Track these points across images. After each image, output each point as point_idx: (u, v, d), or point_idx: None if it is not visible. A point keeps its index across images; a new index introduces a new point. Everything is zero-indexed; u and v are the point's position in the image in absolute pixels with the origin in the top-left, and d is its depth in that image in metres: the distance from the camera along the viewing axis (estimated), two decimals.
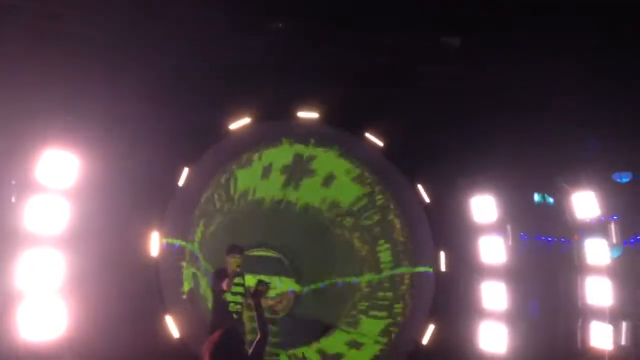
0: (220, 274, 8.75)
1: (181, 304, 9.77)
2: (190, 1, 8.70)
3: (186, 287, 10.07)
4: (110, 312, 8.52)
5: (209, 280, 8.96)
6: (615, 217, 10.40)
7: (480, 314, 10.82)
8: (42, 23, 8.32)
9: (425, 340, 10.64)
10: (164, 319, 9.20)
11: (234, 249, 8.86)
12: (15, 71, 8.21)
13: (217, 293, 8.73)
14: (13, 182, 8.16)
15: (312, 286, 12.35)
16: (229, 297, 8.71)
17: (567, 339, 10.56)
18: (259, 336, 6.29)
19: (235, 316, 8.78)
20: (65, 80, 8.41)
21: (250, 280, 8.85)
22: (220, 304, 8.72)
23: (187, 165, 9.47)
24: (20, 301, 7.85)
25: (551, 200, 11.10)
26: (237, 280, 8.78)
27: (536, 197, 11.29)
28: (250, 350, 6.01)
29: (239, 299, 8.81)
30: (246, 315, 9.14)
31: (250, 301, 6.73)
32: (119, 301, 8.61)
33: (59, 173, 8.24)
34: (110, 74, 8.49)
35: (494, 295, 10.76)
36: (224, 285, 8.52)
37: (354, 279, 11.96)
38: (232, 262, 8.71)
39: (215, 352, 5.16)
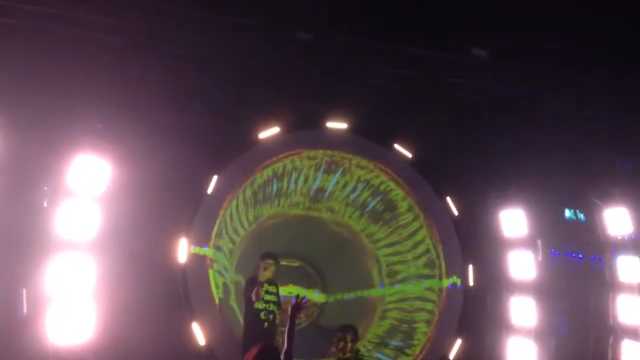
0: (252, 283, 8.75)
1: (209, 311, 9.79)
2: (221, 10, 8.77)
3: (216, 296, 10.09)
4: (138, 318, 8.59)
5: (240, 289, 8.96)
6: None
7: (509, 329, 10.69)
8: (72, 30, 8.44)
9: (452, 355, 10.54)
10: (191, 326, 9.25)
11: (267, 255, 8.86)
12: (48, 79, 8.33)
13: (249, 302, 8.73)
14: (45, 188, 8.27)
15: (338, 296, 12.29)
16: (259, 305, 8.70)
17: (597, 357, 10.36)
18: (285, 348, 6.31)
19: (266, 325, 8.76)
20: (97, 88, 8.50)
21: (285, 290, 8.89)
22: (252, 313, 8.72)
23: (216, 173, 9.53)
24: (49, 305, 7.95)
25: (582, 216, 10.94)
26: (269, 288, 8.78)
27: (567, 212, 11.13)
28: None
29: (271, 307, 8.78)
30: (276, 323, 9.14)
31: (287, 312, 6.76)
32: (147, 307, 8.68)
33: (90, 179, 8.35)
34: (142, 81, 8.57)
35: (522, 311, 10.63)
36: (254, 294, 8.52)
37: (380, 292, 11.90)
38: (265, 268, 8.70)
39: None
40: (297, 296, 7.06)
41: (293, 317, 6.61)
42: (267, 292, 8.69)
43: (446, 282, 11.03)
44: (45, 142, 8.19)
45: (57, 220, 8.11)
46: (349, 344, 7.24)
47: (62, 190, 8.19)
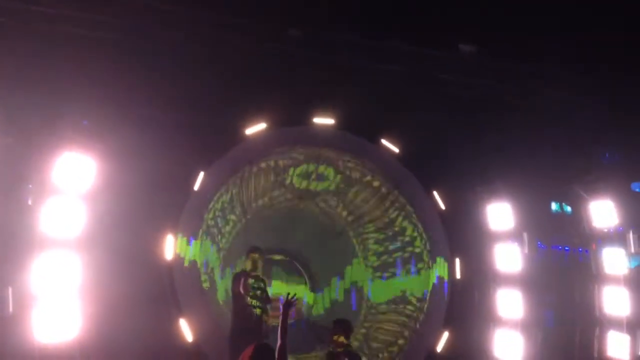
0: (239, 277, 8.79)
1: (196, 307, 9.78)
2: (208, 7, 8.73)
3: (202, 290, 10.10)
4: (124, 315, 8.55)
5: (228, 284, 9.00)
6: (633, 227, 10.26)
7: (496, 322, 10.75)
8: (57, 27, 8.36)
9: (439, 348, 10.59)
10: (178, 322, 9.24)
11: (254, 250, 8.91)
12: (32, 75, 8.26)
13: (237, 296, 8.77)
14: (30, 186, 8.22)
15: (325, 292, 12.33)
16: (247, 300, 8.75)
17: (584, 349, 10.45)
18: (279, 344, 6.36)
19: (254, 320, 8.81)
20: (81, 84, 8.44)
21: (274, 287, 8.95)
22: (239, 308, 8.76)
23: (203, 170, 9.51)
24: (35, 304, 7.91)
25: (569, 208, 11.00)
26: (257, 284, 8.82)
27: (553, 205, 11.19)
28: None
29: (258, 302, 8.84)
30: (264, 318, 9.17)
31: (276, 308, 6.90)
32: (133, 304, 8.64)
33: (76, 176, 8.28)
34: (127, 78, 8.51)
35: (509, 303, 10.68)
36: (242, 287, 8.56)
37: (368, 284, 11.94)
38: (253, 262, 8.75)
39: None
40: (288, 294, 7.14)
41: (285, 314, 6.67)
42: (254, 287, 8.73)
43: (433, 276, 11.08)
44: (30, 139, 8.13)
45: (42, 218, 8.04)
46: (343, 338, 7.38)
47: (47, 188, 8.12)
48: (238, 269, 9.26)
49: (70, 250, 8.18)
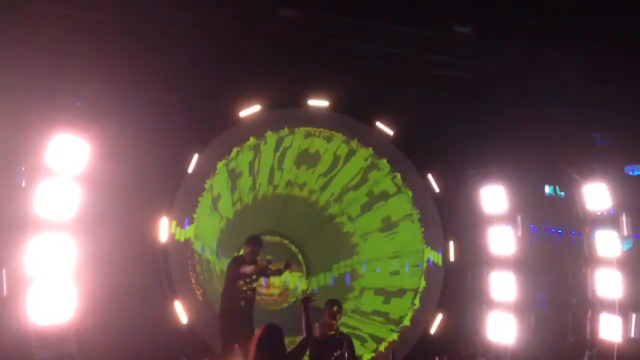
0: (238, 262, 8.80)
1: (190, 290, 9.80)
2: None
3: (197, 274, 10.10)
4: (119, 297, 8.58)
5: (223, 267, 9.02)
6: (626, 210, 10.30)
7: (489, 304, 10.80)
8: (51, 8, 8.30)
9: (433, 330, 10.65)
10: (172, 304, 9.26)
11: (254, 241, 8.90)
12: (27, 57, 8.21)
13: (230, 280, 8.78)
14: (23, 168, 8.18)
15: (320, 277, 12.34)
16: (242, 285, 8.76)
17: (576, 331, 10.52)
18: (305, 335, 6.56)
19: (243, 303, 8.83)
20: (75, 66, 8.40)
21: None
22: (231, 292, 8.76)
23: (197, 152, 9.49)
24: (30, 286, 7.90)
25: (562, 192, 11.03)
26: (249, 270, 8.82)
27: (547, 188, 11.22)
28: (294, 348, 6.28)
29: (250, 286, 8.86)
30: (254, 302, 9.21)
31: (300, 305, 6.99)
32: (127, 286, 8.66)
33: (69, 158, 8.24)
34: (120, 60, 8.47)
35: (502, 285, 10.72)
36: (247, 271, 8.58)
37: (363, 267, 11.97)
38: (251, 252, 8.78)
39: (260, 345, 5.63)
40: (306, 290, 7.23)
41: (306, 309, 6.80)
42: (249, 274, 8.74)
43: (427, 258, 11.12)
44: (22, 121, 8.08)
45: (36, 199, 8.02)
46: (335, 318, 7.47)
47: (40, 170, 8.09)
48: (236, 254, 9.25)
49: (65, 232, 8.16)
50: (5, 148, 8.12)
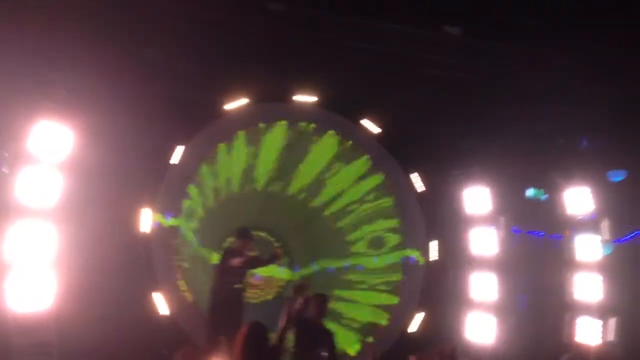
0: (230, 254, 8.84)
1: (173, 280, 9.78)
2: None
3: (179, 265, 10.09)
4: (99, 286, 8.55)
5: (207, 259, 9.06)
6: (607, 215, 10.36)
7: (469, 304, 10.86)
8: None
9: (412, 328, 10.69)
10: (153, 295, 9.23)
11: (246, 234, 8.94)
12: (10, 43, 8.13)
13: (220, 273, 8.79)
14: (5, 154, 8.12)
15: (303, 271, 12.35)
16: (232, 277, 8.79)
17: (555, 333, 10.57)
18: (283, 325, 6.64)
19: (234, 296, 8.85)
20: (59, 53, 8.34)
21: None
22: (220, 285, 8.78)
23: (182, 144, 9.47)
24: (8, 272, 7.85)
25: (544, 194, 11.09)
26: (239, 261, 8.84)
27: (530, 191, 11.28)
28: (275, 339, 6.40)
29: (238, 279, 8.88)
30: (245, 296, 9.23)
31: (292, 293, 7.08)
32: (108, 276, 8.64)
33: (52, 145, 8.20)
34: (106, 48, 8.42)
35: (483, 286, 10.79)
36: (237, 263, 8.61)
37: (345, 263, 11.98)
38: (240, 244, 8.81)
39: (246, 342, 5.77)
40: (302, 284, 7.29)
41: (295, 299, 7.21)
42: (238, 265, 8.78)
43: (409, 257, 11.16)
44: (4, 107, 8.02)
45: (17, 186, 7.98)
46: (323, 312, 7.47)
47: (22, 156, 8.04)
48: (228, 246, 9.28)
49: (46, 220, 8.12)
50: None
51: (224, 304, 8.78)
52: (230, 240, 9.12)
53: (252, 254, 8.88)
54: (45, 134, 8.13)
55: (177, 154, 9.44)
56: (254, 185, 11.66)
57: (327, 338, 7.62)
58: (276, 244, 12.23)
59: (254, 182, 11.60)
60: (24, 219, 7.97)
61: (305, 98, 10.18)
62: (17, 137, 8.02)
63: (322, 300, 7.71)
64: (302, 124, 10.73)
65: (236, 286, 8.88)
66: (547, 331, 10.62)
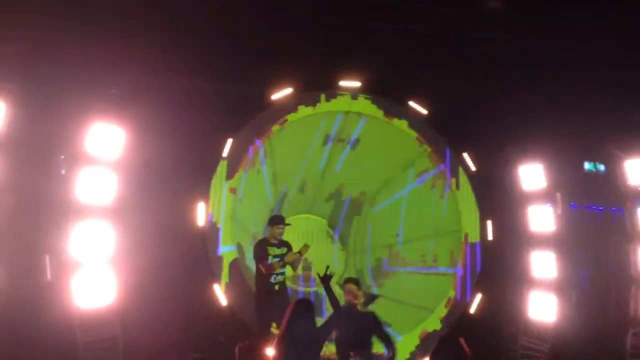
0: (261, 245, 8.89)
1: (229, 272, 9.93)
2: None
3: (232, 257, 10.22)
4: (159, 281, 8.76)
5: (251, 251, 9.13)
6: None
7: (529, 283, 10.69)
8: None
9: (473, 310, 10.60)
10: (212, 287, 9.40)
11: (277, 220, 8.99)
12: (63, 46, 8.36)
13: (259, 262, 8.86)
14: (62, 156, 8.38)
15: (357, 257, 12.36)
16: (270, 269, 8.83)
17: (619, 308, 10.33)
18: (333, 312, 6.79)
19: (277, 287, 8.90)
20: (111, 56, 8.53)
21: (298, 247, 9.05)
22: (260, 274, 8.85)
23: (231, 136, 9.59)
24: (73, 270, 8.12)
25: (602, 167, 10.82)
26: (278, 251, 8.89)
27: (587, 164, 11.02)
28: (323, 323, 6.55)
29: (280, 269, 8.91)
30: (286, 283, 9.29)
31: (319, 283, 7.14)
32: (167, 270, 8.84)
33: (107, 145, 8.45)
34: (153, 46, 8.57)
35: (543, 264, 10.60)
36: (263, 268, 8.68)
37: (401, 249, 11.96)
38: (276, 232, 8.85)
39: (291, 317, 5.98)
40: (327, 267, 7.40)
41: (326, 287, 7.04)
42: (275, 255, 8.82)
43: (466, 238, 11.06)
44: (60, 110, 8.27)
45: (75, 187, 8.24)
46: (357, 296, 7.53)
47: (79, 158, 8.29)
48: (260, 238, 9.34)
49: (105, 218, 8.38)
50: (44, 138, 8.32)
51: (267, 295, 8.82)
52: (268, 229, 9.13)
53: (303, 249, 8.87)
54: (100, 134, 8.37)
55: (227, 147, 9.57)
56: (307, 173, 11.70)
57: (371, 322, 7.60)
58: (330, 231, 12.28)
59: (307, 171, 11.66)
60: (84, 218, 8.23)
61: (350, 83, 10.15)
62: (73, 139, 8.27)
63: (355, 285, 7.70)
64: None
65: (275, 276, 8.89)
66: (611, 306, 10.39)
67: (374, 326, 7.38)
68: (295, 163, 11.42)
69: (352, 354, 7.17)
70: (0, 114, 7.66)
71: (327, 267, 7.44)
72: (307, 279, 11.56)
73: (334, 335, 7.23)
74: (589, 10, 9.31)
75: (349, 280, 7.72)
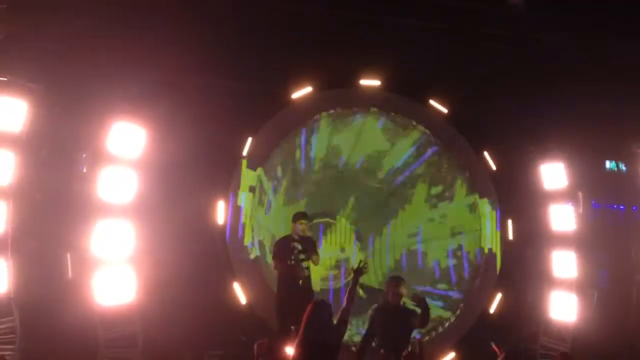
0: (284, 242, 8.87)
1: (249, 271, 9.96)
2: None
3: (252, 255, 10.25)
4: (178, 279, 8.81)
5: (273, 248, 9.10)
6: None
7: (550, 282, 10.62)
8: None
9: (492, 309, 10.55)
10: (232, 285, 9.44)
11: (300, 216, 8.96)
12: (88, 47, 8.45)
13: (282, 260, 8.83)
14: (84, 155, 8.46)
15: (377, 255, 12.35)
16: (292, 263, 8.81)
17: None
18: (344, 306, 6.57)
19: (301, 282, 8.87)
20: (132, 55, 8.59)
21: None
22: (284, 272, 8.83)
23: (251, 135, 9.62)
24: (94, 268, 8.21)
25: (624, 166, 10.71)
26: (302, 246, 8.86)
27: (608, 163, 10.91)
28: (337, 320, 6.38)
29: (304, 265, 8.88)
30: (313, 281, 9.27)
31: (350, 275, 7.14)
32: (187, 268, 8.89)
33: (128, 144, 8.52)
34: (173, 46, 8.62)
35: (563, 263, 10.52)
36: (287, 253, 8.66)
37: (418, 248, 11.95)
38: (300, 229, 8.83)
39: (310, 318, 5.92)
40: (360, 261, 7.36)
41: (356, 280, 6.93)
42: (300, 251, 8.78)
43: (485, 237, 11.02)
44: (82, 109, 8.35)
45: (97, 185, 8.33)
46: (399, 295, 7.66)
47: (100, 156, 8.37)
48: (283, 236, 9.33)
49: (125, 217, 8.45)
50: (66, 136, 8.40)
51: (290, 293, 8.77)
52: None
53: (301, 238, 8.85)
54: (121, 133, 8.45)
55: (247, 146, 9.60)
56: (327, 172, 11.71)
57: (412, 317, 7.66)
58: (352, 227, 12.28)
59: (328, 169, 11.66)
60: (105, 217, 8.31)
61: (370, 82, 10.14)
62: (94, 138, 8.35)
63: (394, 283, 7.77)
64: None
65: (300, 274, 8.86)
66: (632, 306, 10.31)
67: (420, 322, 7.49)
68: (314, 161, 11.46)
69: (404, 353, 7.30)
70: (22, 113, 7.74)
71: (361, 261, 7.47)
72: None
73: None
74: (611, 9, 9.24)
75: (395, 278, 7.88)
